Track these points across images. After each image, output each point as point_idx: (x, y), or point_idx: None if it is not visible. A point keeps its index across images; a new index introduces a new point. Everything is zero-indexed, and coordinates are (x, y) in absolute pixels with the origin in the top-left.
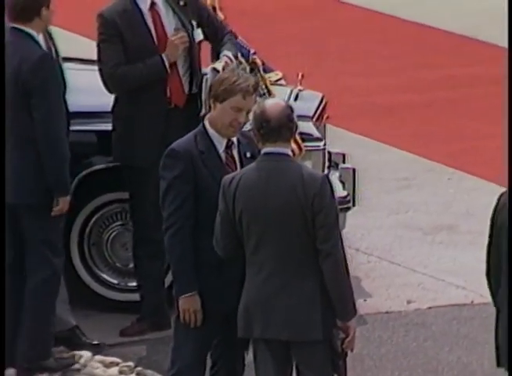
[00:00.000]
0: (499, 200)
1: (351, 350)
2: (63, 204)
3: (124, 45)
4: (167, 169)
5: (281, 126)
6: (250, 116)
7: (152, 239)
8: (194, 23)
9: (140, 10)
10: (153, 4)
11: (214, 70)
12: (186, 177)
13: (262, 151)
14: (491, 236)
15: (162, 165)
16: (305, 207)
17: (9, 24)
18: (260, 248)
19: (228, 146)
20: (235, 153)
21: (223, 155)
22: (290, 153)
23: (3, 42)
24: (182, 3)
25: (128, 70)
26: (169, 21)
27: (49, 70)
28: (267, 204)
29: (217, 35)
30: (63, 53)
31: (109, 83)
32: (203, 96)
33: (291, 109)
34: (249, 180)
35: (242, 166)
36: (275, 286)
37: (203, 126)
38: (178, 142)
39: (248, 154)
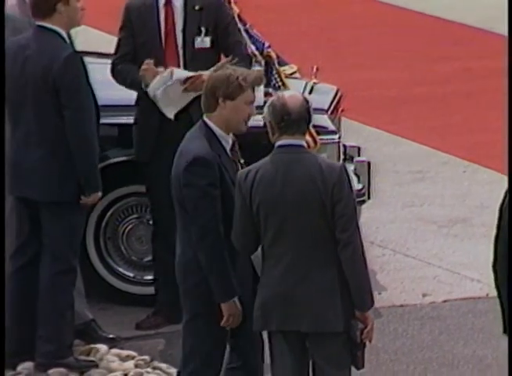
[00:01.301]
0: (506, 192)
1: (370, 341)
2: (93, 198)
3: (134, 37)
4: (198, 177)
5: (301, 119)
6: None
7: (168, 233)
8: (203, 29)
9: (158, 5)
10: (168, 1)
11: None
12: (216, 184)
13: (278, 143)
14: (498, 227)
15: (192, 173)
16: (325, 196)
17: (30, 21)
18: (278, 240)
19: (233, 144)
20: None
21: (230, 153)
22: (306, 144)
23: (3, 43)
24: (197, 7)
25: (123, 70)
26: (182, 22)
27: (79, 68)
28: (286, 195)
29: (226, 52)
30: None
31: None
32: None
33: (307, 101)
34: (267, 172)
35: (239, 159)
36: (294, 278)
37: (209, 129)
38: (197, 148)
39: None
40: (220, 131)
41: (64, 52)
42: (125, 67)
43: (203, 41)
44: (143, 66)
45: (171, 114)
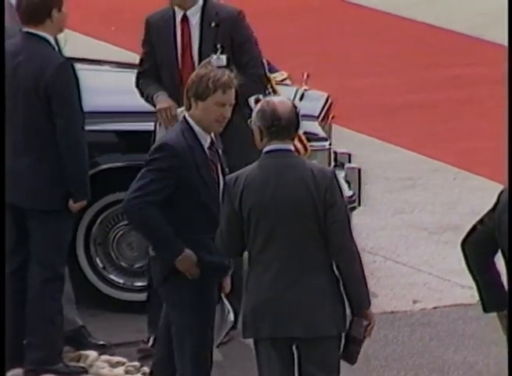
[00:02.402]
0: (499, 197)
1: (369, 336)
2: (79, 205)
3: (154, 52)
4: (157, 160)
5: (291, 124)
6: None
7: None
8: (219, 46)
9: (175, 20)
10: (184, 17)
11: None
12: (172, 172)
13: (267, 148)
14: (481, 221)
15: (154, 157)
16: (317, 201)
17: (21, 27)
18: (268, 245)
19: (212, 143)
20: (216, 150)
21: (207, 152)
22: (294, 149)
23: (3, 43)
24: (213, 24)
25: (143, 85)
26: (198, 39)
27: (70, 76)
28: (278, 199)
29: (239, 70)
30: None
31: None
32: None
33: (296, 107)
34: (257, 177)
35: (221, 163)
36: (285, 283)
37: (187, 123)
38: (169, 137)
39: (220, 151)
40: (198, 129)
41: (56, 59)
42: (145, 83)
43: (219, 59)
44: (161, 107)
45: None
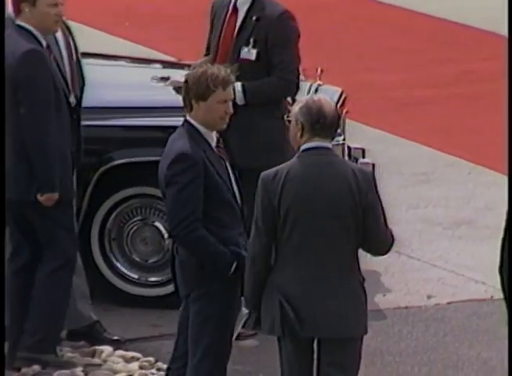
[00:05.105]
0: None
1: None
2: (48, 198)
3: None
4: (181, 174)
5: (333, 123)
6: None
7: None
8: (251, 40)
9: (228, 8)
10: (234, 7)
11: None
12: (199, 180)
13: (307, 145)
14: (506, 230)
15: (176, 171)
16: (358, 200)
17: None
18: (303, 245)
19: (218, 141)
20: (222, 146)
21: (216, 150)
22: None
23: (3, 42)
24: (254, 18)
25: None
26: (238, 29)
27: (35, 64)
28: (319, 197)
29: (267, 71)
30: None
31: None
32: None
33: (337, 106)
34: (299, 174)
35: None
36: (316, 284)
37: (191, 125)
38: (181, 146)
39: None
40: (203, 129)
41: (22, 47)
42: None
43: (249, 53)
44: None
45: None
